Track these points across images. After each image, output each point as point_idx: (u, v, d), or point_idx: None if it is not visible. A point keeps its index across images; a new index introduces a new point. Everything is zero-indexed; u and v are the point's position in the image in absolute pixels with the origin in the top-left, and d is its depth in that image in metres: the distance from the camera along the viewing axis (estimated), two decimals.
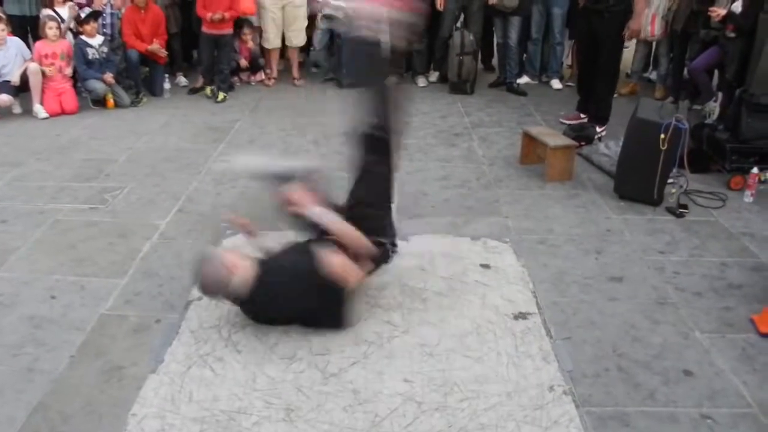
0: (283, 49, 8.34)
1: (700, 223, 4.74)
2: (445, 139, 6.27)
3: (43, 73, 6.98)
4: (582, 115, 6.72)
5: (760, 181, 5.26)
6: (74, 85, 7.36)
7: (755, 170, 5.16)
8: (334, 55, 8.25)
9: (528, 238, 4.41)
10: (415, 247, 4.22)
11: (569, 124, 6.42)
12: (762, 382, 3.13)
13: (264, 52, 8.23)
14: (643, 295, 3.82)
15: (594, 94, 6.51)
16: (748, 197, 5.13)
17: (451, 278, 3.87)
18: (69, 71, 7.23)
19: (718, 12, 6.45)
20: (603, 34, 6.14)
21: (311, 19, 8.27)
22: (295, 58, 8.28)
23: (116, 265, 4.03)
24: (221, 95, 7.52)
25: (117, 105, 7.29)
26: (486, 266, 4.01)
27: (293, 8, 7.93)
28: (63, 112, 7.04)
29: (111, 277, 3.91)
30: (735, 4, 6.34)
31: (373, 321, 3.48)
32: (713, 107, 6.67)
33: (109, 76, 7.19)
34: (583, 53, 6.67)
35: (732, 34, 6.34)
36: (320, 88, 8.12)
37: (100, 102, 7.31)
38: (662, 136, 4.75)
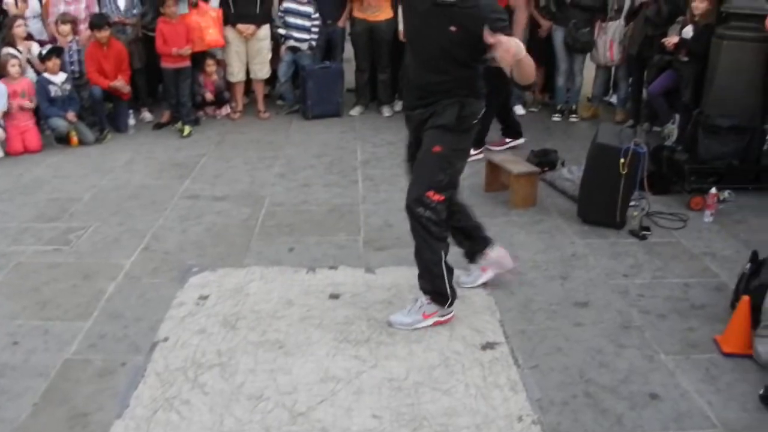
0: (249, 82, 8.36)
1: (663, 245, 4.81)
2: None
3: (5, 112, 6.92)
4: (507, 140, 6.91)
5: (719, 201, 5.36)
6: (37, 123, 7.30)
7: (714, 190, 5.27)
8: (299, 87, 8.28)
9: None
10: (382, 280, 4.24)
11: (533, 151, 6.47)
12: (726, 402, 3.18)
13: (229, 85, 8.24)
14: (609, 319, 3.87)
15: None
16: (708, 217, 5.22)
17: None
18: (31, 106, 7.16)
19: (671, 41, 6.60)
20: None
21: (276, 51, 8.31)
22: (260, 91, 8.30)
23: (80, 308, 3.99)
24: (186, 129, 7.51)
25: (81, 142, 7.23)
26: None
27: (256, 41, 7.95)
28: (26, 151, 6.97)
29: (75, 319, 3.86)
30: (686, 29, 6.48)
31: (340, 356, 3.48)
32: (672, 129, 6.80)
33: (71, 115, 7.15)
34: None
35: (685, 59, 6.48)
36: (286, 120, 8.13)
37: (63, 139, 7.25)
38: (622, 160, 4.84)
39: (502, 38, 3.12)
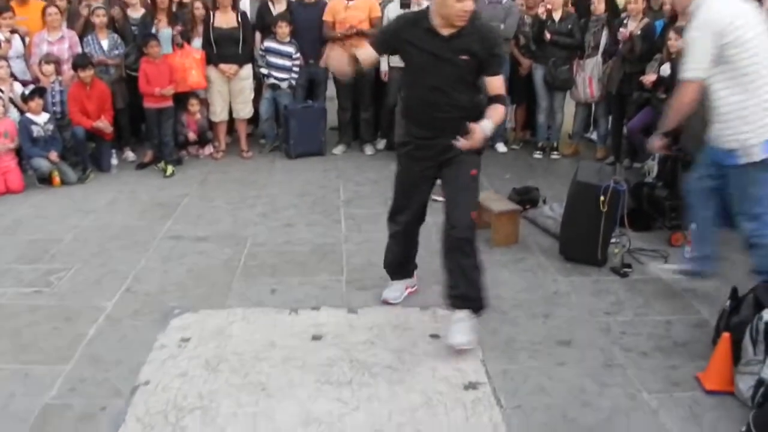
0: (232, 121, 8.39)
1: (644, 282, 4.84)
2: None
3: None
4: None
5: None
6: (19, 163, 7.29)
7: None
8: (281, 126, 8.32)
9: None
10: (365, 320, 4.23)
11: (515, 189, 6.51)
12: None
13: (212, 125, 8.27)
14: (591, 357, 3.87)
15: None
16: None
17: (401, 351, 3.88)
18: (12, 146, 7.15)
19: (649, 79, 6.71)
20: None
21: (258, 90, 8.36)
22: (242, 131, 8.33)
23: (61, 351, 3.95)
24: (169, 169, 7.52)
25: (63, 182, 7.22)
26: (435, 336, 4.03)
27: (239, 81, 8.00)
28: (8, 191, 6.94)
29: (55, 363, 3.83)
30: (663, 67, 6.59)
31: (323, 399, 3.46)
32: (652, 165, 6.84)
33: (53, 155, 7.14)
34: None
35: (663, 96, 6.57)
36: (269, 159, 8.16)
37: (46, 180, 7.23)
38: (602, 198, 4.88)
39: (475, 134, 3.64)
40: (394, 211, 4.28)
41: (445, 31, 3.74)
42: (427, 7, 3.90)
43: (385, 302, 4.44)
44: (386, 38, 4.07)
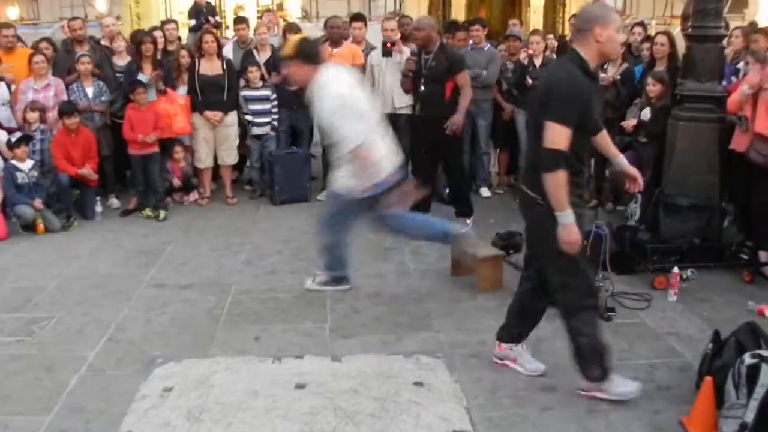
0: (216, 168, 8.42)
1: (628, 325, 4.85)
2: (377, 254, 6.34)
3: None
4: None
5: (682, 280, 5.44)
6: (2, 210, 7.27)
7: (676, 270, 5.34)
8: (265, 172, 8.35)
9: (460, 352, 4.44)
10: (348, 368, 4.21)
11: (498, 234, 6.53)
12: None
13: (196, 171, 8.29)
14: (575, 404, 3.86)
15: (453, 193, 7.40)
16: (671, 296, 5.29)
17: (385, 399, 3.85)
18: None
19: (629, 124, 6.82)
20: (442, 138, 6.90)
21: (243, 137, 8.42)
22: (227, 177, 8.36)
23: (42, 401, 3.91)
24: (162, 213, 7.55)
25: (47, 230, 7.20)
26: (419, 384, 4.01)
27: (224, 128, 8.06)
28: None
29: (36, 414, 3.79)
30: (644, 112, 6.69)
31: None
32: (634, 209, 6.92)
33: (38, 202, 7.13)
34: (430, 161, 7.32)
35: (644, 140, 6.67)
36: (253, 205, 8.17)
37: (29, 227, 7.21)
38: (584, 242, 4.90)
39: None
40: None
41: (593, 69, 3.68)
42: (575, 52, 3.64)
43: None
44: (579, 112, 3.54)
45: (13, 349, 4.57)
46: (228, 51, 8.65)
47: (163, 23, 9.27)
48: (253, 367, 4.26)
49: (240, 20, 9.33)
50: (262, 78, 8.11)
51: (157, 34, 8.56)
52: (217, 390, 3.99)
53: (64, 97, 7.75)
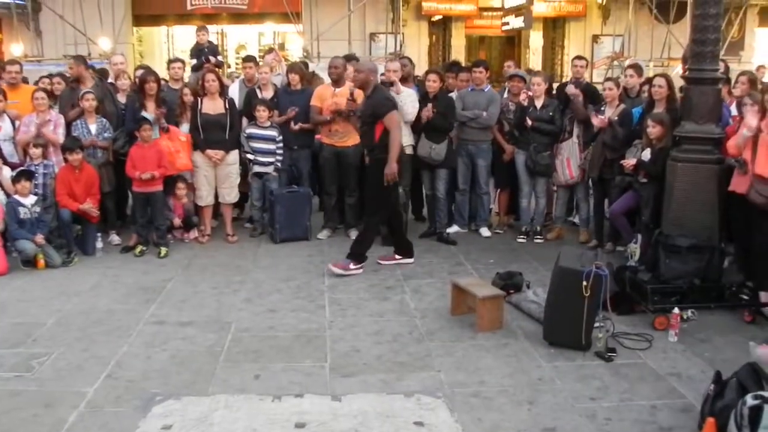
0: (217, 205, 8.45)
1: (629, 366, 4.84)
2: (377, 293, 6.34)
3: None
4: (397, 256, 7.26)
5: (683, 320, 5.44)
6: (3, 245, 7.27)
7: (676, 310, 5.34)
8: (267, 210, 8.37)
9: (461, 392, 4.42)
10: (349, 408, 4.19)
11: (498, 274, 6.52)
12: None
13: (198, 209, 8.32)
14: None
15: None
16: (672, 337, 5.28)
17: None
18: None
19: (629, 163, 6.87)
20: (367, 178, 7.22)
21: (245, 175, 8.46)
22: (228, 215, 8.38)
23: None
24: (163, 251, 7.57)
25: (48, 265, 7.20)
26: (420, 424, 4.00)
27: (225, 166, 8.10)
28: None
29: None
30: (644, 153, 6.75)
31: None
32: (635, 249, 6.94)
33: (39, 238, 7.14)
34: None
35: (644, 180, 6.72)
36: (254, 243, 8.18)
37: (30, 262, 7.21)
38: (584, 283, 4.92)
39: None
40: None
41: None
42: None
43: None
44: None
45: (12, 385, 4.55)
46: (234, 89, 8.73)
47: (170, 62, 9.35)
48: (252, 405, 4.24)
49: (248, 59, 9.39)
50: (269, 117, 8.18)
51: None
52: (216, 428, 3.97)
53: (62, 131, 7.80)
